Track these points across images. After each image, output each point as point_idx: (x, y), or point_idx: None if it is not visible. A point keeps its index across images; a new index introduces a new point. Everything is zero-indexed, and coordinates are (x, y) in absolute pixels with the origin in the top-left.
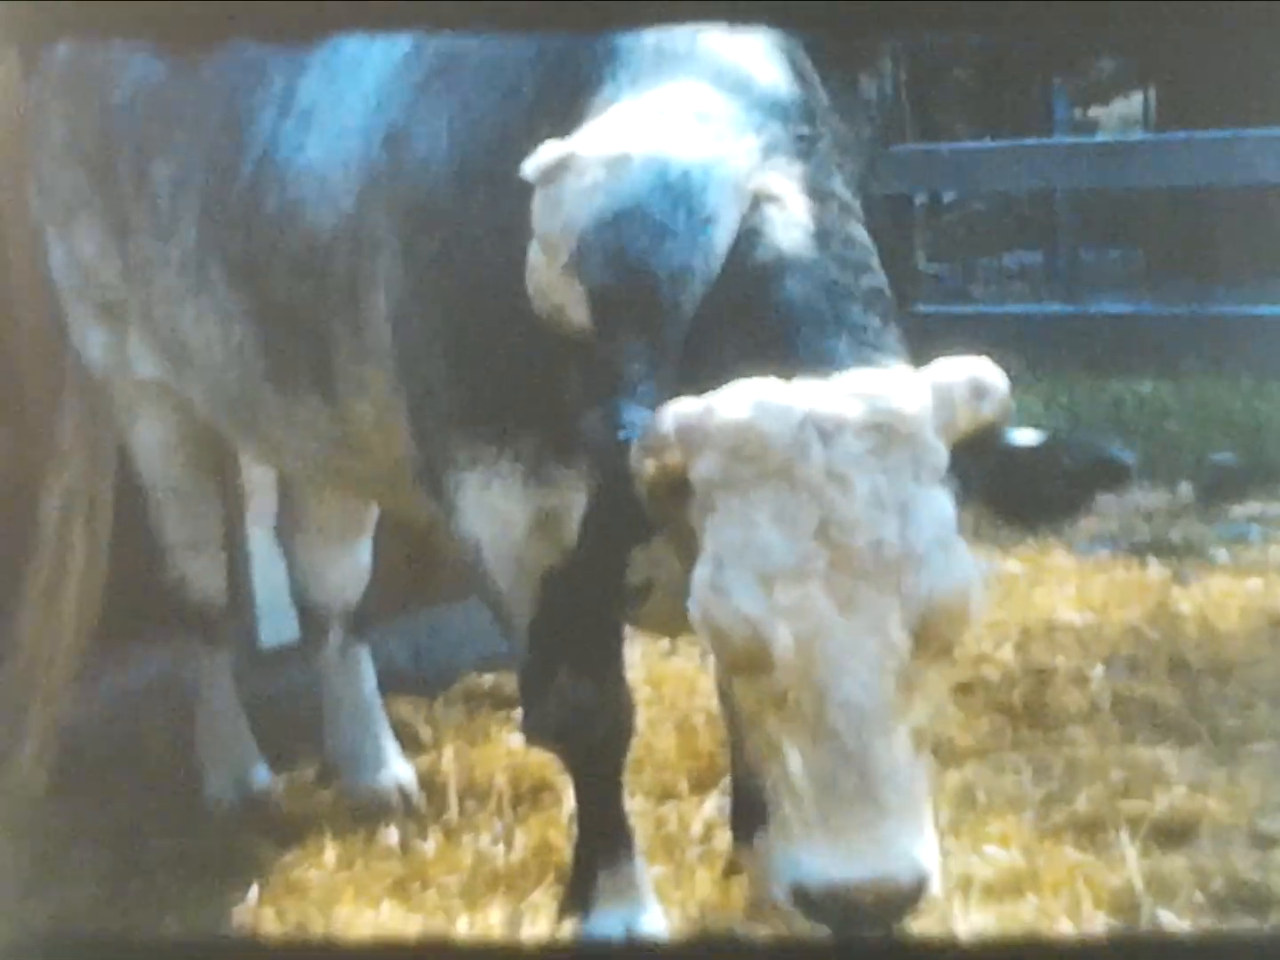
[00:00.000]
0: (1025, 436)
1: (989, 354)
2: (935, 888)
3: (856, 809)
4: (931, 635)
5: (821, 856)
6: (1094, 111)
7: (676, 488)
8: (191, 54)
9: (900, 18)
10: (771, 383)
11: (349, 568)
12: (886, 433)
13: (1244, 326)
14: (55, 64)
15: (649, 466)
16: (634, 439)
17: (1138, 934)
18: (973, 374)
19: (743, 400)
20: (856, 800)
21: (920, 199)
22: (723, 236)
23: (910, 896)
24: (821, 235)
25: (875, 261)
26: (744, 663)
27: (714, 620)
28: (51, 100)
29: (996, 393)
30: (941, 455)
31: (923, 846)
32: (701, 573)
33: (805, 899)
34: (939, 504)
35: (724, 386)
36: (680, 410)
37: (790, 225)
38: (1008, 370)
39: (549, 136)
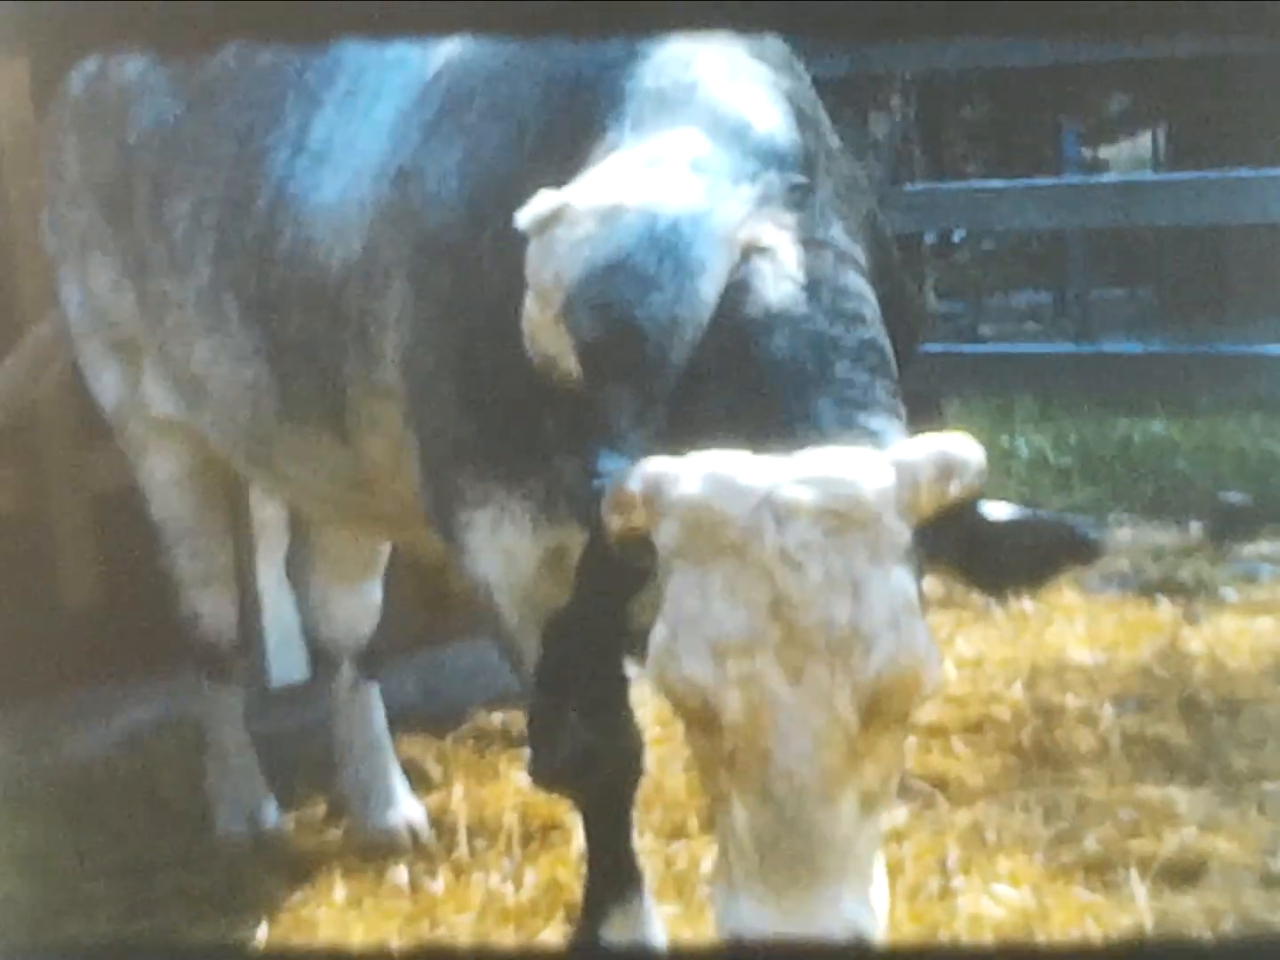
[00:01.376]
0: (997, 510)
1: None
2: (875, 940)
3: (795, 871)
4: (881, 709)
5: (759, 909)
6: (1104, 151)
7: (644, 544)
8: (193, 57)
9: (909, 58)
10: (736, 457)
11: (359, 606)
12: (843, 517)
13: (1254, 365)
14: (70, 100)
15: (615, 521)
16: (606, 489)
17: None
18: (941, 453)
19: (704, 475)
20: (796, 863)
21: (930, 238)
22: (710, 288)
23: (846, 952)
24: (812, 287)
25: (870, 311)
26: (695, 722)
27: (666, 683)
28: (66, 137)
29: (967, 471)
30: (902, 535)
31: (862, 908)
32: (657, 636)
33: (740, 947)
34: (895, 583)
35: (709, 442)
36: (647, 472)
37: (780, 277)
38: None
39: (554, 179)
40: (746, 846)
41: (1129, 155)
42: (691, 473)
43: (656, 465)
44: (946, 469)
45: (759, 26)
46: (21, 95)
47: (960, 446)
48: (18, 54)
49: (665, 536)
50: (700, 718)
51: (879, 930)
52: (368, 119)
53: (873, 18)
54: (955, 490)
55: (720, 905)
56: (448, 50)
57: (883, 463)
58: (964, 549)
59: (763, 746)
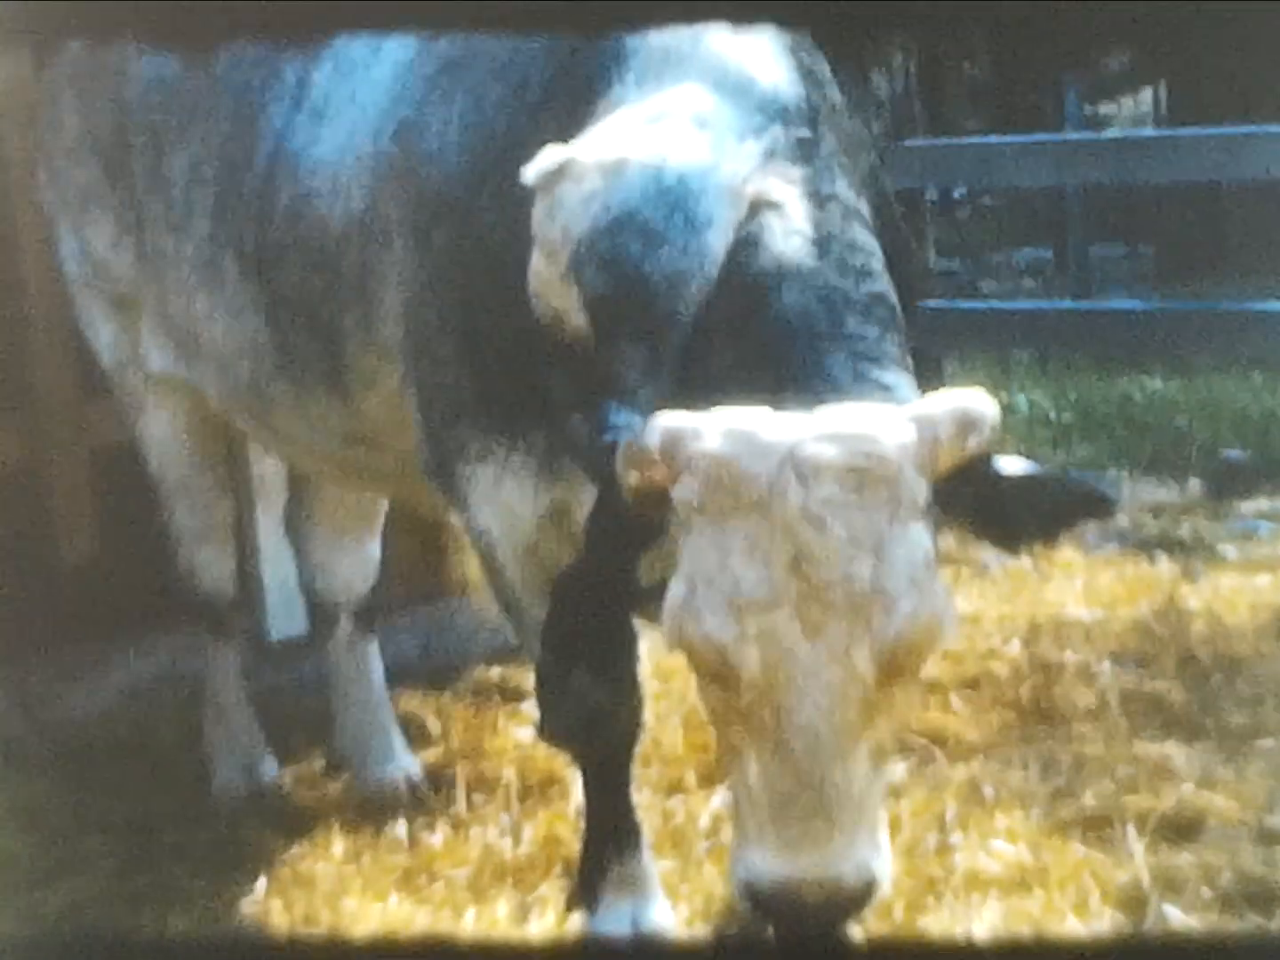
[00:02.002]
0: (1012, 465)
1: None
2: (883, 889)
3: (809, 823)
4: (897, 665)
5: (772, 857)
6: (1105, 108)
7: (660, 498)
8: (196, 53)
9: (909, 16)
10: (757, 414)
11: (358, 561)
12: (866, 474)
13: (1254, 322)
14: (68, 58)
15: (633, 477)
16: (619, 442)
17: (1139, 933)
18: (960, 409)
19: (726, 431)
20: (809, 816)
21: (930, 194)
22: (719, 242)
23: (857, 897)
24: (821, 241)
25: (878, 265)
26: (713, 677)
27: (685, 640)
28: (64, 94)
29: (984, 426)
30: (922, 491)
31: (873, 854)
32: (675, 592)
33: (755, 896)
34: (915, 541)
35: (720, 397)
36: (667, 426)
37: (789, 232)
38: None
39: (557, 135)
40: (760, 800)
41: (1130, 112)
42: (712, 428)
43: (674, 420)
44: (965, 425)
45: (758, 20)
46: (19, 52)
47: (977, 402)
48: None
49: (685, 492)
50: (718, 674)
51: (887, 878)
52: (368, 75)
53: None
54: (974, 446)
55: (733, 861)
56: None
57: (903, 419)
58: (978, 504)
59: (780, 702)
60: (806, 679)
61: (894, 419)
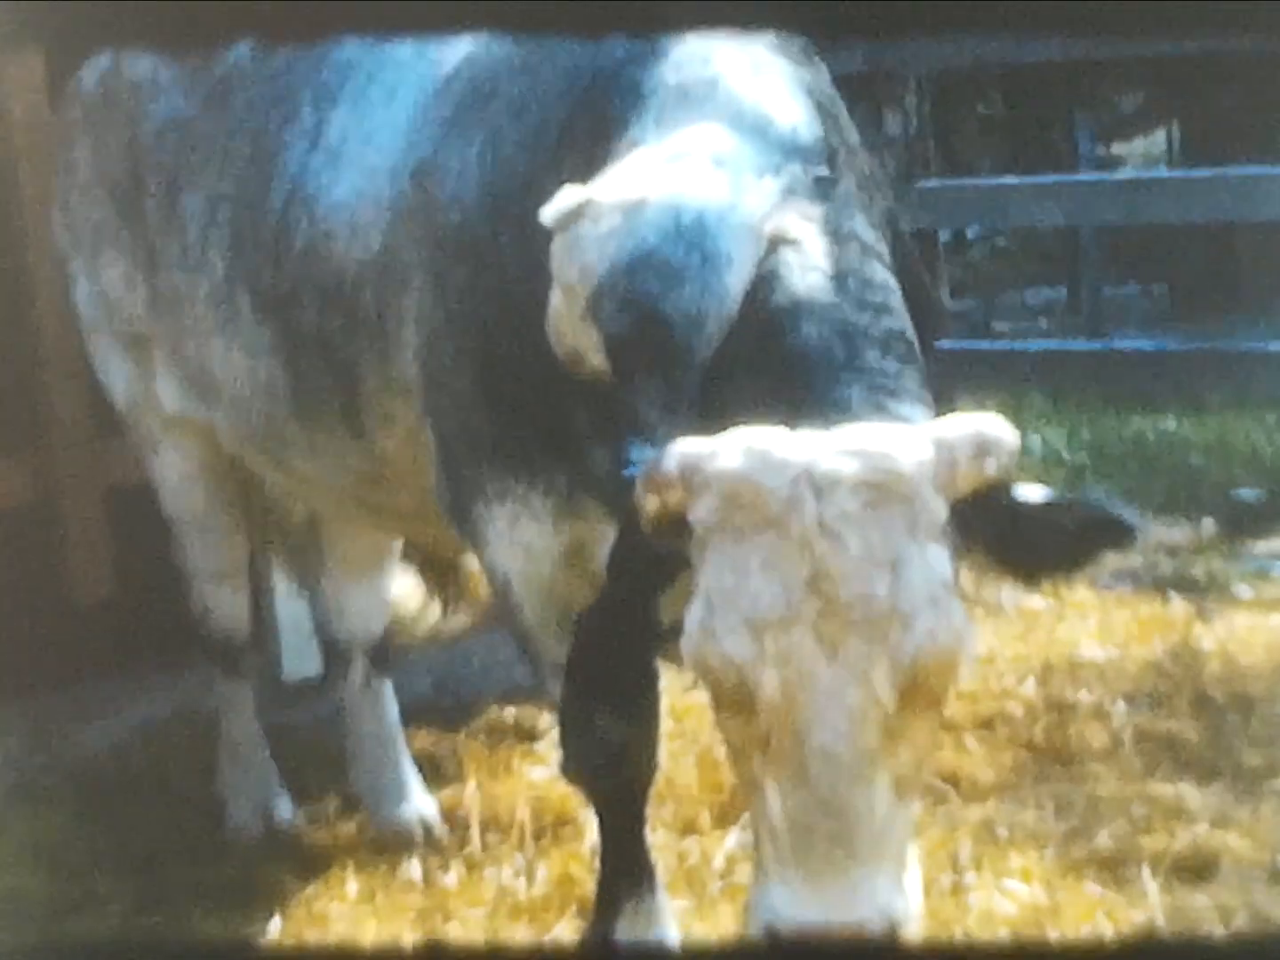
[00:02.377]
0: (1031, 493)
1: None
2: (909, 932)
3: (830, 854)
4: (918, 689)
5: (794, 898)
6: (1117, 148)
7: (678, 526)
8: (200, 56)
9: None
10: (773, 433)
11: (372, 601)
12: (883, 490)
13: (1268, 362)
14: (82, 96)
15: (651, 503)
16: (638, 478)
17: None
18: (978, 431)
19: (742, 449)
20: (830, 846)
21: (944, 234)
22: (737, 280)
23: (879, 938)
24: (839, 277)
25: (896, 302)
26: (730, 703)
27: (703, 661)
28: (79, 132)
29: (1002, 450)
30: (940, 512)
31: (896, 893)
32: (693, 614)
33: (775, 939)
34: (933, 560)
35: (738, 429)
36: (684, 450)
37: (807, 268)
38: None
39: (575, 176)
40: (780, 831)
41: (1143, 152)
42: (729, 447)
43: (691, 444)
44: (983, 447)
45: (768, 25)
46: (37, 90)
47: (995, 426)
48: (29, 50)
49: (702, 512)
50: (736, 697)
51: (913, 920)
52: (385, 115)
53: (883, 17)
54: (991, 469)
55: (754, 900)
56: (465, 46)
57: (921, 438)
58: (999, 533)
59: (799, 725)
60: (825, 700)
61: (912, 438)
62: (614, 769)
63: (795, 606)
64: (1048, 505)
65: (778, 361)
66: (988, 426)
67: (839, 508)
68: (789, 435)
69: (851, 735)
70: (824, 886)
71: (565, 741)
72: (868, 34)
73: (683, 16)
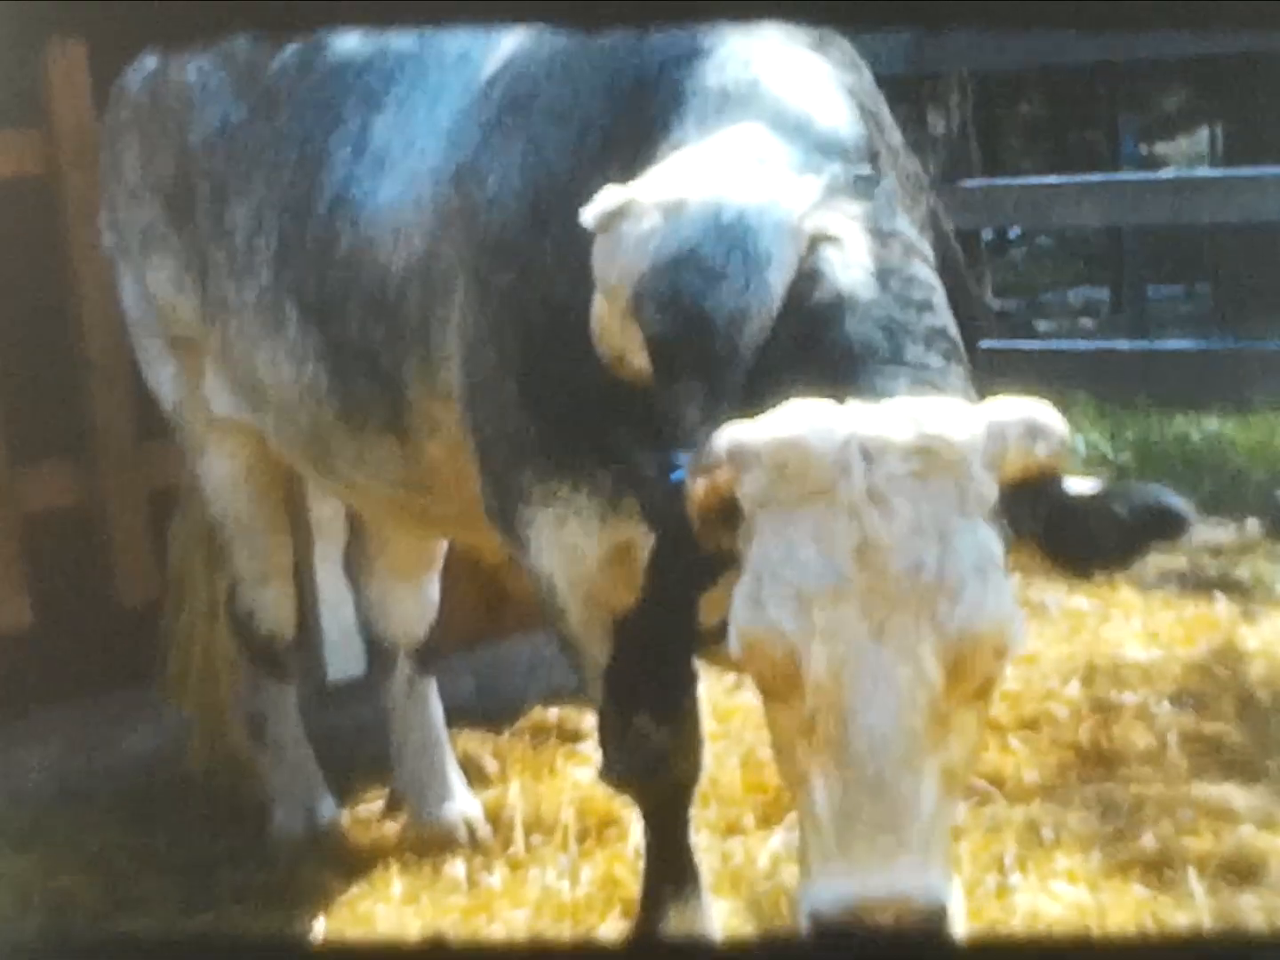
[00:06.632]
0: (1082, 485)
1: (1055, 390)
2: (955, 926)
3: (876, 838)
4: (965, 668)
5: (837, 882)
6: (1160, 148)
7: (727, 513)
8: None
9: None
10: (821, 403)
11: (417, 602)
12: (932, 458)
13: None
14: (129, 99)
15: (700, 486)
16: (682, 479)
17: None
18: (1029, 414)
19: (790, 418)
20: (876, 830)
21: (987, 234)
22: (779, 279)
23: (926, 918)
24: (882, 275)
25: (940, 300)
26: (776, 683)
27: (751, 635)
28: (127, 135)
29: (1053, 436)
30: (989, 488)
31: (944, 879)
32: (741, 589)
33: (822, 924)
34: (982, 536)
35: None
36: (732, 431)
37: (849, 265)
38: (1073, 405)
39: (617, 178)
40: (826, 823)
41: (1186, 151)
42: (777, 419)
43: (738, 426)
44: (1033, 429)
45: (808, 18)
46: (80, 94)
47: (1047, 413)
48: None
49: (750, 486)
50: (783, 673)
51: (957, 907)
52: (428, 120)
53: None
54: (1041, 452)
55: (800, 897)
56: (506, 51)
57: (971, 414)
58: (1050, 524)
59: (845, 705)
60: (872, 678)
61: (962, 412)
62: (655, 772)
63: (843, 576)
64: (1099, 496)
65: (821, 357)
66: (1038, 411)
67: (888, 473)
68: (837, 406)
69: (899, 715)
70: (871, 873)
71: (605, 744)
72: (907, 25)
73: (721, 9)
